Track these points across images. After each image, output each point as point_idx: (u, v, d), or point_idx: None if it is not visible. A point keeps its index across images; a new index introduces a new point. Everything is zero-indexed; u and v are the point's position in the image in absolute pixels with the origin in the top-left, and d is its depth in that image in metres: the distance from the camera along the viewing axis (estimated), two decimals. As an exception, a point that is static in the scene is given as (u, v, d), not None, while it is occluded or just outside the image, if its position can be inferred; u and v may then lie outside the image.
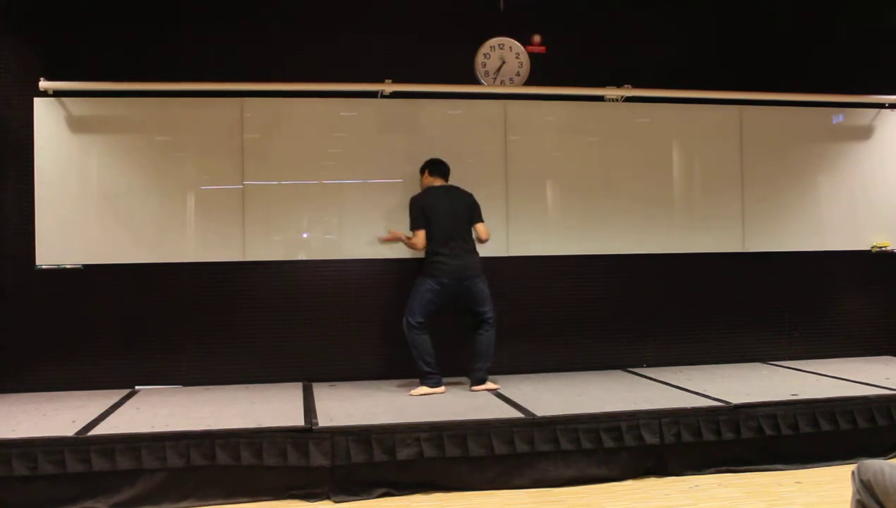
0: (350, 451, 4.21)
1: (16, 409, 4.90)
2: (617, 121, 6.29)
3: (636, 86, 6.17)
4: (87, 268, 5.60)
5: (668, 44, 6.39)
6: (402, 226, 5.52)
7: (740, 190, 6.45)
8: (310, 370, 5.86)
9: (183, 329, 5.77)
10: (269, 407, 4.87)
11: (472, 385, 5.41)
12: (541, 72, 6.16)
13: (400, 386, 5.58)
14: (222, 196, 5.81)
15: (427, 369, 5.32)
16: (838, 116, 6.65)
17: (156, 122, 5.77)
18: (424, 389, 5.31)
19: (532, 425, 4.40)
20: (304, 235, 5.93)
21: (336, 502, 4.17)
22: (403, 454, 4.24)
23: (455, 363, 5.54)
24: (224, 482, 4.16)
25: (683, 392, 5.17)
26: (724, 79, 6.33)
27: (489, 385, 5.40)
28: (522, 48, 6.15)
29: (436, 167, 5.57)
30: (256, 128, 5.85)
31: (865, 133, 6.68)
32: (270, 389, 5.52)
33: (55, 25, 5.66)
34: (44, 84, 5.49)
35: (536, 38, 6.18)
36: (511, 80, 6.14)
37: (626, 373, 6.04)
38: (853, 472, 2.77)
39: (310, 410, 4.73)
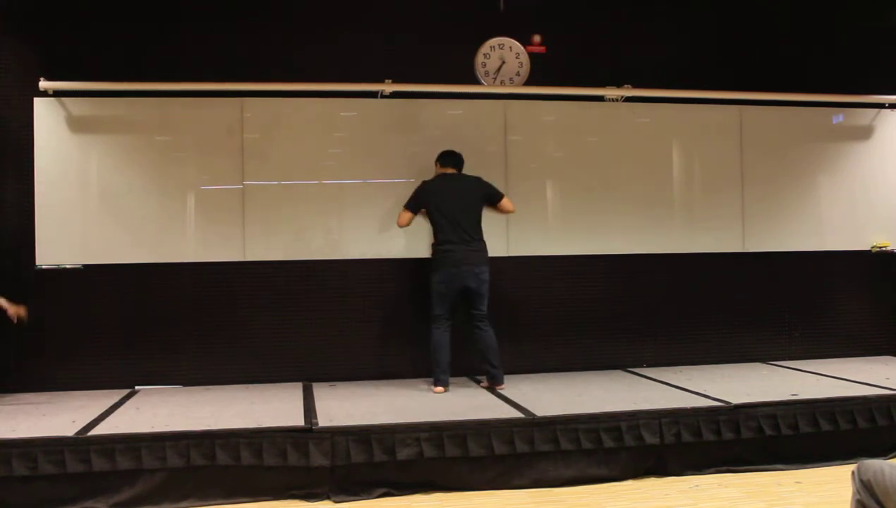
0: (350, 451, 4.21)
1: (16, 409, 4.91)
2: (617, 121, 6.29)
3: (636, 86, 6.17)
4: (87, 268, 5.60)
5: (668, 44, 6.39)
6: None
7: (740, 190, 6.45)
8: (310, 370, 5.86)
9: (183, 329, 5.77)
10: (269, 407, 4.87)
11: (497, 384, 5.40)
12: (541, 72, 6.16)
13: (400, 385, 5.58)
14: (222, 196, 5.81)
15: (434, 366, 5.35)
16: (838, 116, 6.65)
17: (156, 122, 5.77)
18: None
19: (532, 425, 4.40)
20: (304, 235, 5.92)
21: (336, 502, 4.16)
22: (403, 454, 4.24)
23: (454, 363, 5.54)
24: (224, 482, 4.16)
25: (683, 392, 5.17)
26: (724, 79, 6.33)
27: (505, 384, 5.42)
28: (522, 48, 6.15)
29: (447, 158, 5.57)
30: (256, 128, 5.85)
31: (865, 133, 6.68)
32: (270, 389, 5.52)
33: (55, 25, 5.66)
34: (44, 84, 5.49)
35: (536, 38, 6.18)
36: (511, 79, 6.14)
37: (626, 373, 6.04)
38: (853, 472, 2.76)
39: (310, 410, 4.73)
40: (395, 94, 5.93)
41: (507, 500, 4.18)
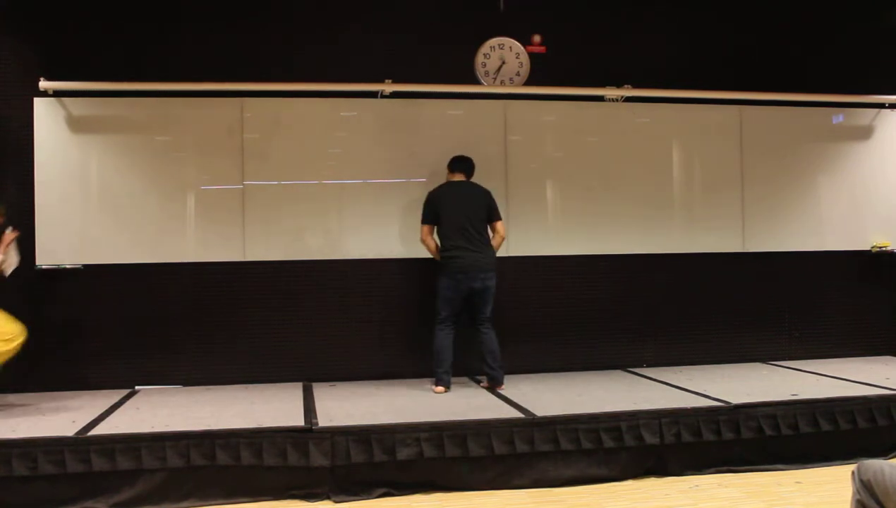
0: (350, 451, 4.21)
1: (16, 409, 4.91)
2: (617, 121, 6.29)
3: (636, 86, 6.17)
4: (87, 268, 5.60)
5: (668, 44, 6.39)
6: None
7: (740, 190, 6.45)
8: (310, 370, 5.86)
9: (183, 329, 5.77)
10: (269, 407, 4.87)
11: (497, 385, 5.40)
12: (541, 72, 6.16)
13: (400, 385, 5.59)
14: (222, 196, 5.81)
15: (439, 370, 5.37)
16: (838, 116, 6.66)
17: (156, 122, 5.77)
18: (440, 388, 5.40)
19: (532, 425, 4.40)
20: (304, 235, 5.92)
21: (336, 502, 4.16)
22: (403, 454, 4.24)
23: (454, 363, 5.54)
24: (224, 482, 4.16)
25: (683, 392, 5.17)
26: (724, 79, 6.33)
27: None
28: (522, 48, 6.15)
29: (456, 163, 5.58)
30: (256, 128, 5.85)
31: (865, 133, 6.68)
32: (270, 389, 5.52)
33: (55, 25, 5.66)
34: (44, 84, 5.49)
35: (536, 38, 6.18)
36: (511, 79, 6.14)
37: (626, 373, 6.04)
38: (853, 472, 2.76)
39: (310, 410, 4.73)
40: (395, 94, 5.93)
41: (507, 500, 4.18)
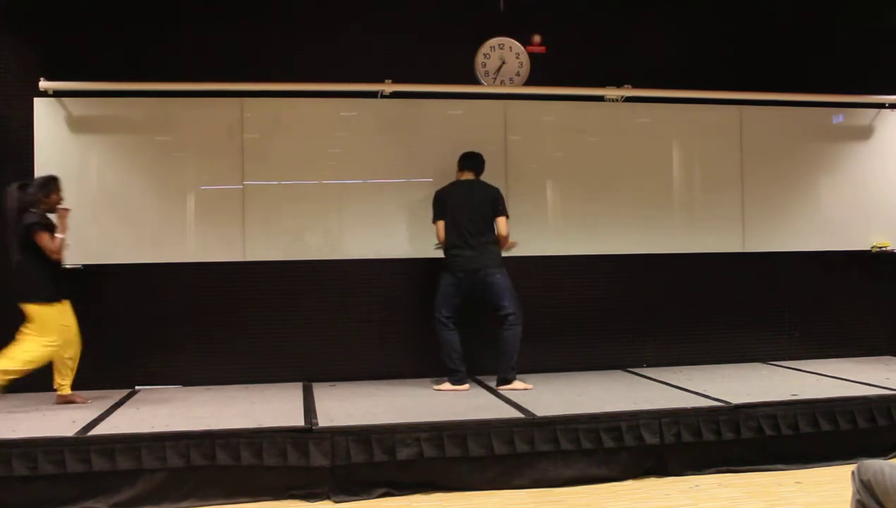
0: (350, 451, 4.21)
1: (16, 409, 4.90)
2: (617, 121, 6.29)
3: (636, 86, 6.17)
4: (87, 268, 5.60)
5: (668, 44, 6.39)
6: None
7: (740, 190, 6.45)
8: (310, 370, 5.86)
9: (183, 329, 5.78)
10: (269, 407, 4.87)
11: (497, 385, 5.41)
12: (541, 72, 6.16)
13: (400, 385, 5.58)
14: (222, 196, 5.81)
15: (451, 366, 5.37)
16: (838, 116, 6.65)
17: (156, 122, 5.77)
18: (448, 386, 5.37)
19: (532, 425, 4.40)
20: (304, 235, 5.92)
21: (336, 502, 4.16)
22: (403, 454, 4.24)
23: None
24: (224, 482, 4.15)
25: (683, 392, 5.17)
26: (724, 79, 6.33)
27: (517, 385, 5.38)
28: (522, 48, 6.15)
29: (465, 161, 5.58)
30: (256, 128, 5.85)
31: (865, 133, 6.68)
32: (270, 389, 5.52)
33: (55, 25, 5.66)
34: (44, 84, 5.49)
35: (536, 38, 6.18)
36: (511, 80, 6.14)
37: (626, 373, 6.04)
38: (853, 472, 2.76)
39: (310, 410, 4.73)
40: (395, 94, 5.93)
41: (507, 500, 4.18)
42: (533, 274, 6.17)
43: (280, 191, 5.88)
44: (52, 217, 5.07)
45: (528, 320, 6.08)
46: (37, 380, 5.48)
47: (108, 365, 5.65)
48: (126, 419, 4.60)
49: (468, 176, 5.56)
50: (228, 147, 5.80)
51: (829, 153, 6.61)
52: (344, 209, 5.95)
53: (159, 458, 4.09)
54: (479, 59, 6.10)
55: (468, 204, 5.43)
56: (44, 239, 4.90)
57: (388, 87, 5.87)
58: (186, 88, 5.68)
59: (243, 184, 5.82)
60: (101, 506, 4.03)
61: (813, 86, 6.44)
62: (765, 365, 6.28)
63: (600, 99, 6.19)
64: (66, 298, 5.09)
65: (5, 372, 4.81)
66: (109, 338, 5.66)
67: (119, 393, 5.42)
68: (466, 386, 5.39)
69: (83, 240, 5.59)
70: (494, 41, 6.11)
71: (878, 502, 2.64)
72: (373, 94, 5.94)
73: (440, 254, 5.58)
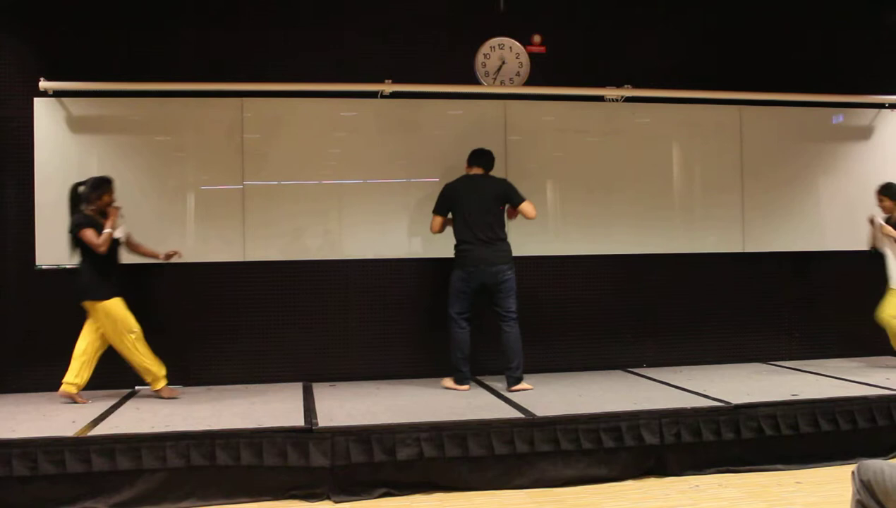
0: (350, 451, 4.21)
1: (16, 409, 4.91)
2: (617, 121, 6.29)
3: (636, 86, 6.17)
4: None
5: (668, 44, 6.39)
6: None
7: (740, 190, 6.45)
8: (310, 370, 5.86)
9: (183, 329, 5.77)
10: (269, 407, 4.87)
11: (509, 386, 5.39)
12: (541, 72, 6.16)
13: (400, 385, 5.59)
14: (222, 196, 5.81)
15: (455, 364, 5.37)
16: (838, 116, 6.66)
17: (156, 122, 5.77)
18: (449, 383, 5.40)
19: (532, 425, 4.40)
20: (304, 235, 5.92)
21: (336, 502, 4.16)
22: (403, 454, 4.24)
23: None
24: (224, 482, 4.16)
25: (683, 392, 5.17)
26: (724, 79, 6.33)
27: (524, 385, 5.38)
28: (522, 48, 6.15)
29: (474, 157, 5.55)
30: (256, 128, 5.85)
31: (865, 133, 6.68)
32: (270, 389, 5.52)
33: (55, 26, 5.66)
34: (44, 84, 5.49)
35: (536, 38, 6.18)
36: (511, 80, 6.14)
37: (626, 373, 6.04)
38: (853, 472, 2.76)
39: (310, 410, 4.73)
40: (395, 94, 5.93)
41: (507, 500, 4.18)
42: (533, 274, 6.17)
43: (280, 191, 5.88)
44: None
45: (527, 320, 6.07)
46: (37, 380, 5.51)
47: (108, 365, 5.63)
48: (126, 419, 4.60)
49: (478, 171, 5.55)
50: (228, 147, 5.80)
51: (829, 153, 6.61)
52: (344, 209, 5.95)
53: (159, 458, 4.09)
54: (479, 59, 6.09)
55: (478, 199, 5.40)
56: (87, 235, 5.01)
57: (388, 87, 5.86)
58: (186, 88, 5.68)
59: (243, 184, 5.82)
60: (101, 506, 4.03)
61: (813, 86, 6.44)
62: (765, 365, 6.28)
63: (600, 99, 6.19)
64: (118, 295, 5.14)
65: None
66: (109, 338, 5.66)
67: (119, 393, 5.42)
68: (467, 386, 5.40)
69: (83, 240, 5.59)
70: (494, 41, 6.11)
71: (878, 502, 2.64)
72: (373, 94, 5.94)
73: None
